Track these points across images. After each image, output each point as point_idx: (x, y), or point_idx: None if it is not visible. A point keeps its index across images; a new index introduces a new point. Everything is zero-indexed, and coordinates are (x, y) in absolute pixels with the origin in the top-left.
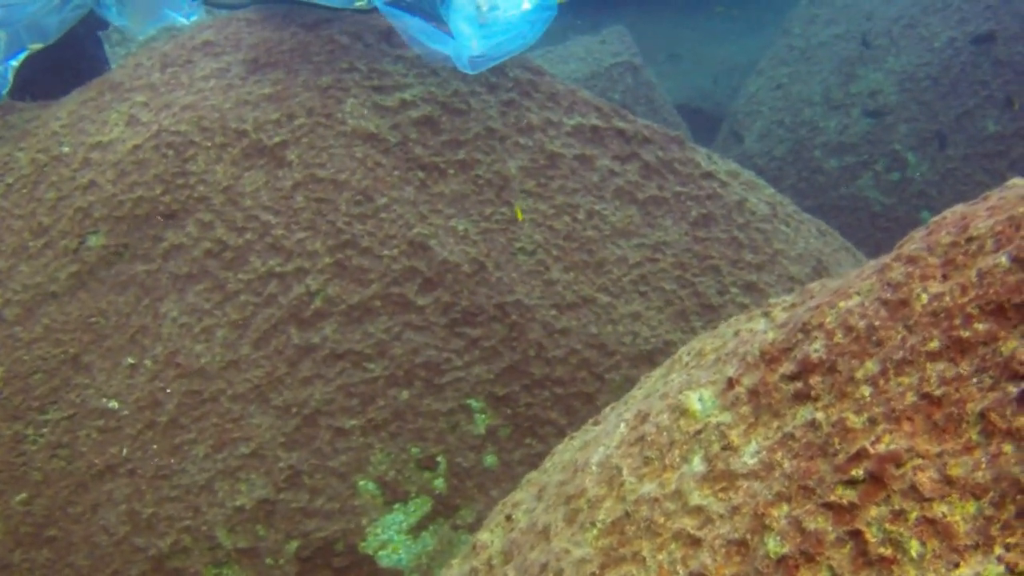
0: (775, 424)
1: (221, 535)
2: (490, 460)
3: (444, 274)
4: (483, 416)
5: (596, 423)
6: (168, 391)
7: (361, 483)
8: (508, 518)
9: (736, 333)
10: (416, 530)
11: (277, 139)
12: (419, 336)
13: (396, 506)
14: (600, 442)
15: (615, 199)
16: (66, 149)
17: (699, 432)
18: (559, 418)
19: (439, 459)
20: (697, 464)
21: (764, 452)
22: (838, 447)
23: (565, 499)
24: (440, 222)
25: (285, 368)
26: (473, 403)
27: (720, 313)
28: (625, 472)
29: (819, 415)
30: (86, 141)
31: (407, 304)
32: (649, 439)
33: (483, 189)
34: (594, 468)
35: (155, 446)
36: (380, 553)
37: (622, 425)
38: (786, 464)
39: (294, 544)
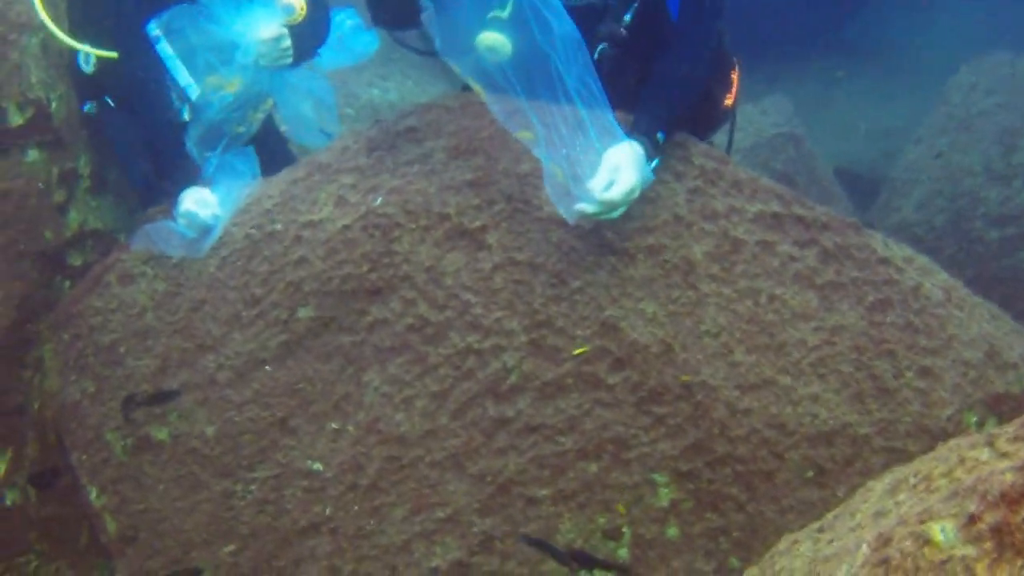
0: (1019, 563)
1: None
2: (672, 532)
3: (633, 354)
4: (667, 490)
5: (821, 530)
6: (369, 456)
7: None
8: None
9: (961, 460)
10: None
11: (478, 223)
12: (608, 413)
13: (582, 573)
14: (842, 559)
15: (794, 283)
16: (279, 227)
17: (944, 562)
18: (739, 494)
19: (624, 529)
20: None
21: None
22: None
23: None
24: (630, 304)
25: (481, 439)
26: (657, 477)
27: (895, 397)
28: None
29: None
30: (297, 219)
31: (598, 382)
32: (894, 563)
33: (670, 273)
34: None
35: (356, 507)
36: None
37: (864, 546)
38: None
39: None
